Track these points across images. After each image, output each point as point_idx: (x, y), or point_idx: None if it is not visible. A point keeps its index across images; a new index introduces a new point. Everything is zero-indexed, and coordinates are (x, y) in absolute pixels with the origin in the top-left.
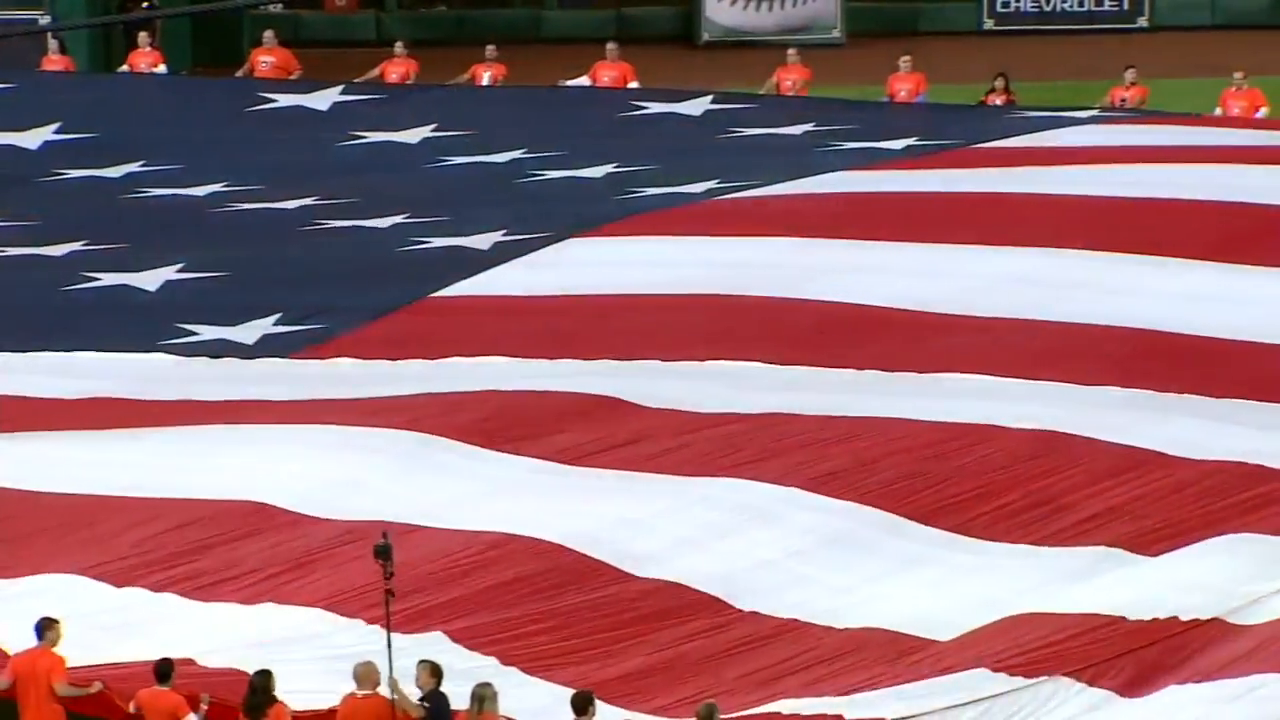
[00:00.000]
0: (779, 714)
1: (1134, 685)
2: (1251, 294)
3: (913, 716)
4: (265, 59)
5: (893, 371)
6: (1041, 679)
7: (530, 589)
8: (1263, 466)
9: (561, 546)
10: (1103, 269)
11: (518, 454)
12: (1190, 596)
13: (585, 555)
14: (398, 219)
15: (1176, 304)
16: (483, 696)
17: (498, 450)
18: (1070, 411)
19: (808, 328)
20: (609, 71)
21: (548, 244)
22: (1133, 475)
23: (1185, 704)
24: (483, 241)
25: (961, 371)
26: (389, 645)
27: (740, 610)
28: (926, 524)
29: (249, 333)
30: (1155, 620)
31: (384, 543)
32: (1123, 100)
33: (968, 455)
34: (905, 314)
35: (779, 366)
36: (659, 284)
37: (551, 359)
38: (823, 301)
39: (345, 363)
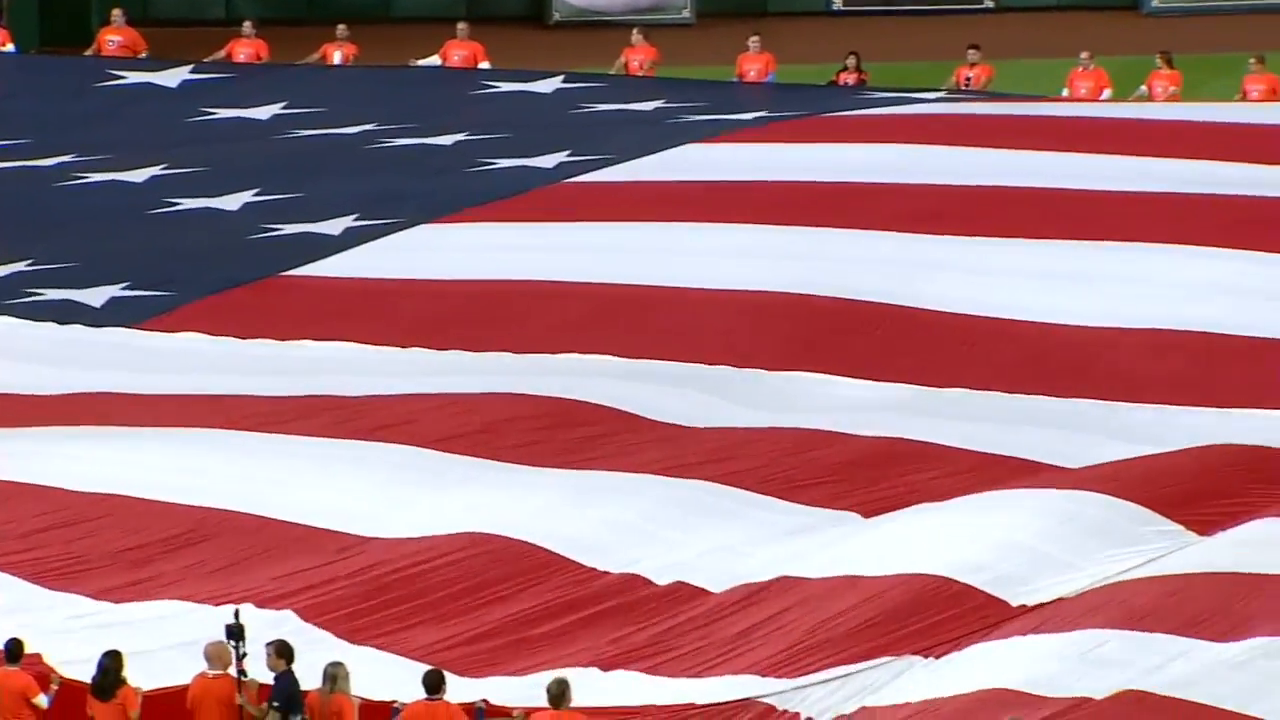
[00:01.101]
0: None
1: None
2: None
3: (768, 694)
4: (112, 38)
5: (745, 368)
6: (888, 659)
7: (383, 572)
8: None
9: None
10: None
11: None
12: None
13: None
14: (248, 197)
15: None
16: (335, 675)
17: (361, 439)
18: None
19: (660, 317)
20: (459, 51)
21: (398, 230)
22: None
23: (1003, 655)
24: (334, 227)
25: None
26: (239, 660)
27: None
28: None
29: (96, 296)
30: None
31: (236, 623)
32: (968, 79)
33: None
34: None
35: (630, 360)
36: (508, 271)
37: (403, 346)
38: (671, 288)
39: (195, 338)
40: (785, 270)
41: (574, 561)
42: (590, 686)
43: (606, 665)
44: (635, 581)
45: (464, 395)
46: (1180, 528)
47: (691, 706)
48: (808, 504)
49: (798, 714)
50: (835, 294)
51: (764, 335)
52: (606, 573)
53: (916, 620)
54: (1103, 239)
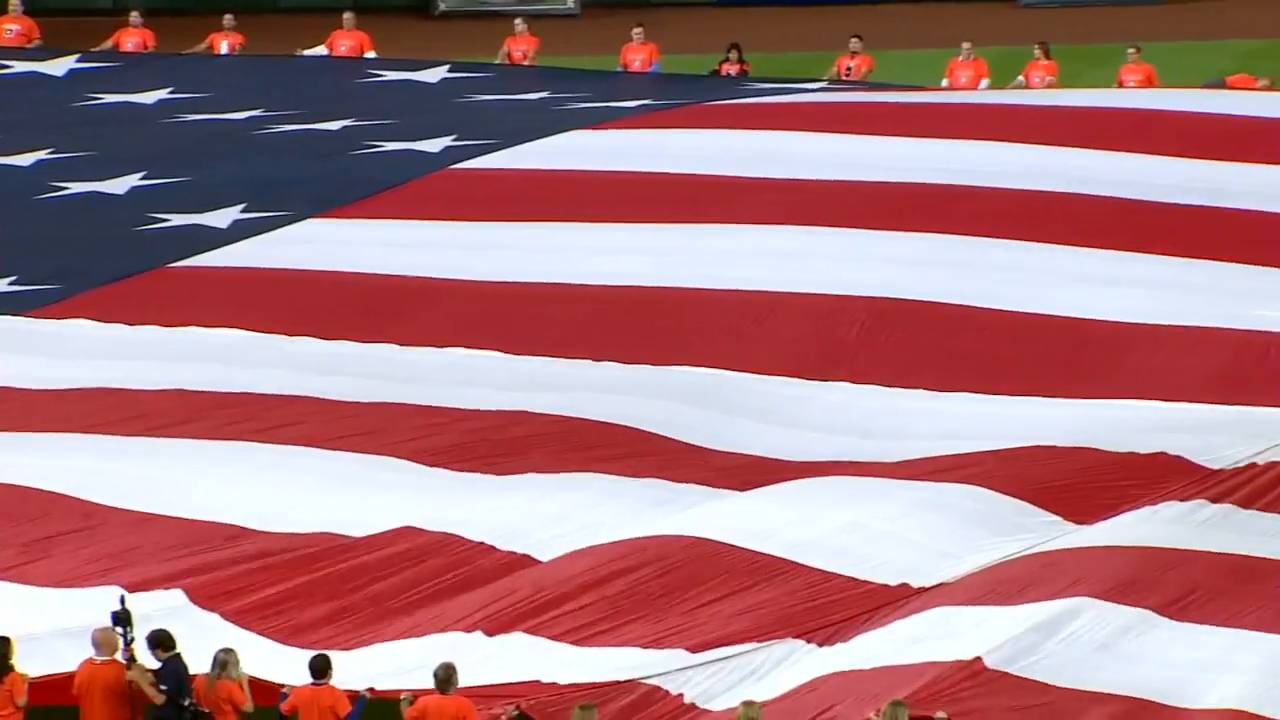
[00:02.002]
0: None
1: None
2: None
3: (650, 676)
4: (10, 26)
5: (629, 364)
6: (772, 642)
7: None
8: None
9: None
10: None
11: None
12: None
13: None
14: (135, 180)
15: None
16: (225, 662)
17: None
18: None
19: (541, 314)
20: (346, 40)
21: (286, 224)
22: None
23: (881, 639)
24: (222, 219)
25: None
26: (127, 646)
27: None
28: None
29: None
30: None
31: (123, 609)
32: (848, 69)
33: None
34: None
35: (516, 357)
36: (395, 266)
37: (289, 335)
38: (566, 284)
39: (83, 324)
40: (665, 266)
41: (465, 539)
42: (475, 653)
43: (491, 630)
44: (524, 560)
45: (348, 403)
46: (1057, 518)
47: (575, 687)
48: (680, 481)
49: (680, 695)
50: (712, 285)
51: (645, 329)
52: (494, 548)
53: (801, 605)
54: (974, 233)
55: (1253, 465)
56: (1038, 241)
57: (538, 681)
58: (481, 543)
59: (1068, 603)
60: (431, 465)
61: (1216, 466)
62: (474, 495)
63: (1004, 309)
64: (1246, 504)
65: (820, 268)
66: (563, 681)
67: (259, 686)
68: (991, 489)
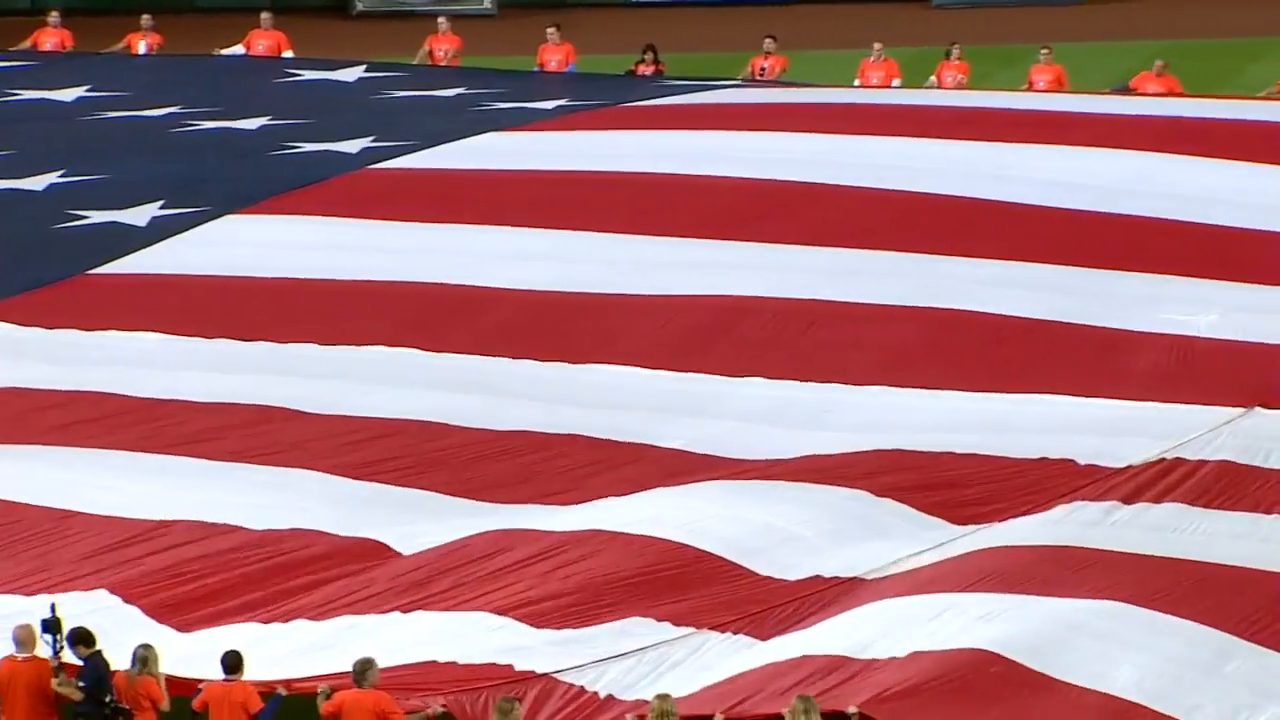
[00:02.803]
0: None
1: (770, 633)
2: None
3: (565, 669)
4: None
5: (546, 361)
6: (689, 630)
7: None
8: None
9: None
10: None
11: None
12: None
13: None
14: (54, 178)
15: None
16: (145, 658)
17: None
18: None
19: (444, 311)
20: (263, 40)
21: (205, 220)
22: None
23: (798, 637)
24: (140, 216)
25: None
26: (56, 654)
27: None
28: None
29: None
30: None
31: (53, 617)
32: (762, 69)
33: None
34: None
35: (435, 354)
36: (314, 266)
37: (208, 338)
38: (470, 286)
39: (2, 327)
40: (570, 270)
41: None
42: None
43: (407, 609)
44: (424, 557)
45: (266, 409)
46: (941, 520)
47: (485, 677)
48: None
49: (596, 690)
50: (629, 291)
51: (556, 331)
52: (400, 554)
53: (715, 598)
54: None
55: (1161, 460)
56: (942, 253)
57: (454, 663)
58: (396, 550)
59: (978, 596)
60: (352, 477)
61: (1121, 465)
62: (383, 507)
63: (920, 305)
64: (1157, 500)
65: (734, 275)
66: (479, 661)
67: (175, 682)
68: (876, 493)
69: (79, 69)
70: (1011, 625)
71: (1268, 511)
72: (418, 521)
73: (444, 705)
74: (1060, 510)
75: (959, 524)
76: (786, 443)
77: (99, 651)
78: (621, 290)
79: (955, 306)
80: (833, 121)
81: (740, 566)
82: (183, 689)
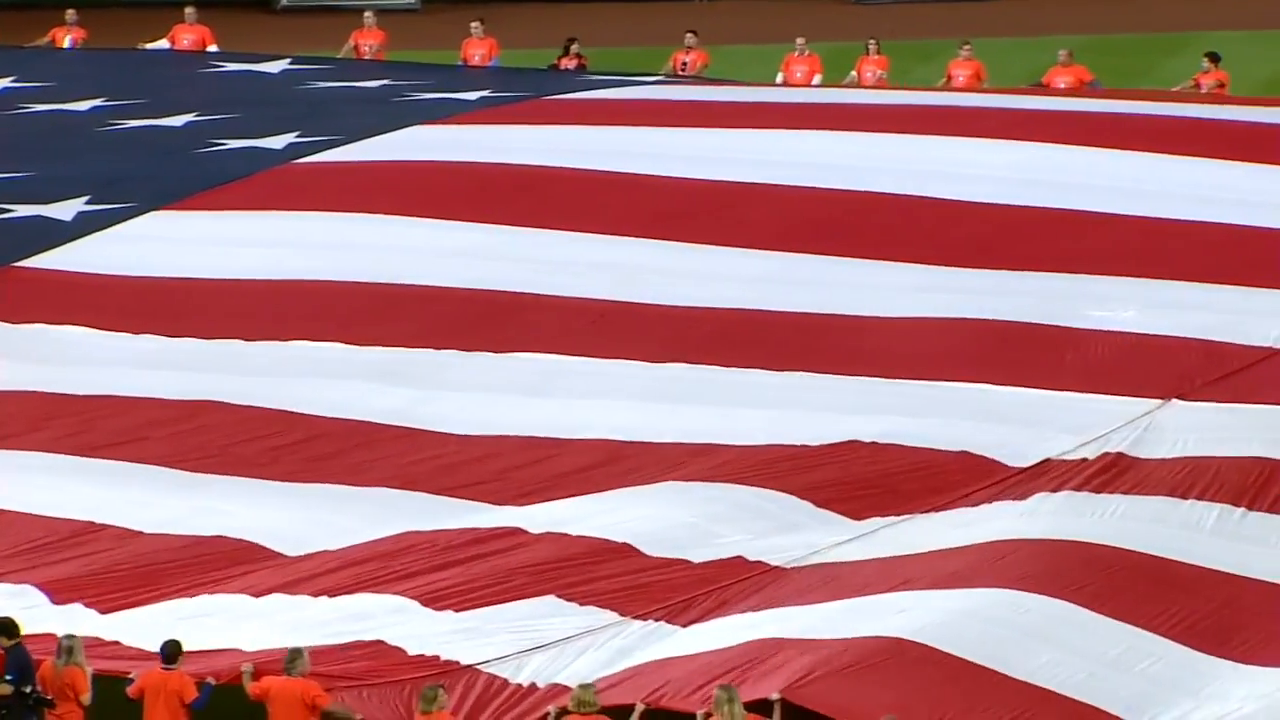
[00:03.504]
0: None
1: (690, 622)
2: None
3: (489, 660)
4: None
5: (472, 352)
6: (611, 619)
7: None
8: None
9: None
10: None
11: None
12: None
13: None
14: None
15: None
16: (70, 648)
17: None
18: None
19: (375, 309)
20: (188, 35)
21: (131, 216)
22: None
23: (719, 628)
24: (65, 210)
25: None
26: None
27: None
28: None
29: None
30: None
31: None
32: (684, 64)
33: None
34: (488, 294)
35: (359, 347)
36: (239, 262)
37: (134, 333)
38: (398, 284)
39: None
40: (494, 267)
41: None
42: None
43: (334, 591)
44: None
45: (194, 402)
46: (841, 517)
47: (410, 669)
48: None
49: (519, 684)
50: (553, 292)
51: (480, 326)
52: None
53: (632, 587)
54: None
55: (1080, 450)
56: (869, 258)
57: (382, 642)
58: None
59: (898, 595)
60: (280, 479)
61: (1040, 458)
62: (307, 505)
63: (846, 314)
64: (1077, 489)
65: (654, 280)
66: (410, 651)
67: (105, 671)
68: (798, 494)
69: (3, 62)
70: (930, 616)
71: (1184, 497)
72: (347, 521)
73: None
74: (983, 503)
75: (878, 516)
76: (702, 421)
77: (19, 643)
78: (544, 291)
79: (876, 315)
80: (759, 118)
81: (659, 558)
82: (115, 675)
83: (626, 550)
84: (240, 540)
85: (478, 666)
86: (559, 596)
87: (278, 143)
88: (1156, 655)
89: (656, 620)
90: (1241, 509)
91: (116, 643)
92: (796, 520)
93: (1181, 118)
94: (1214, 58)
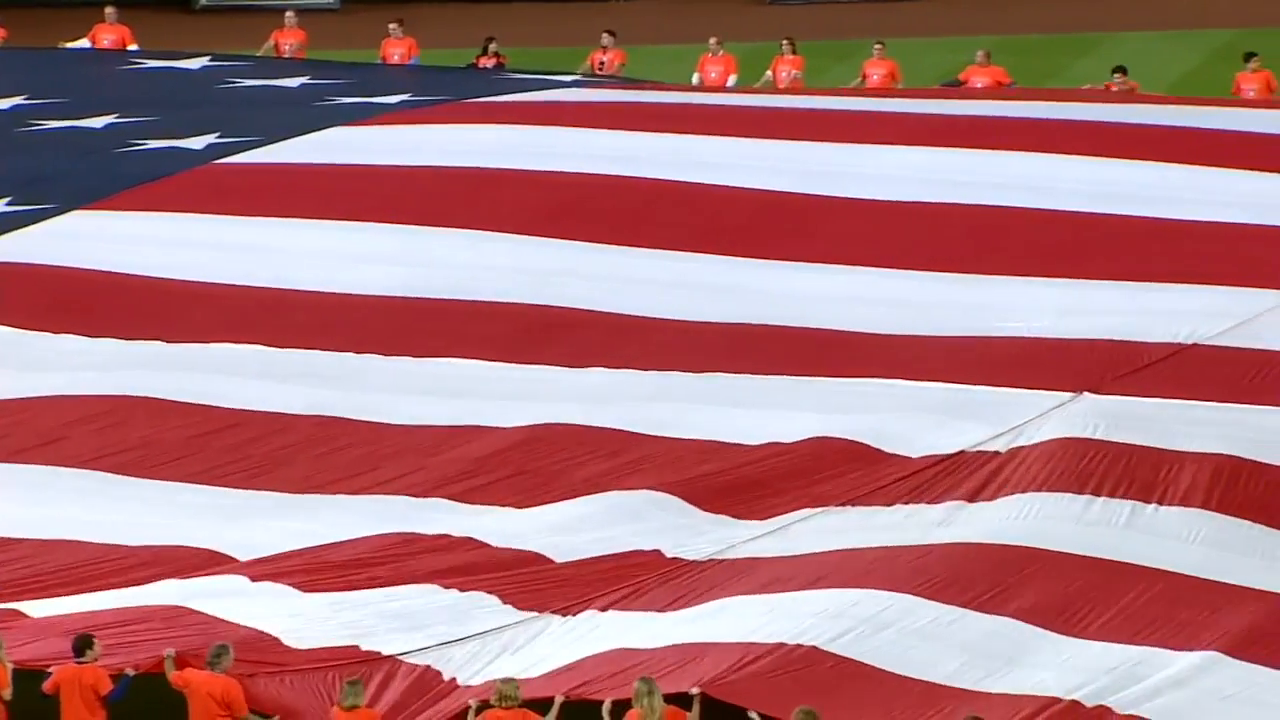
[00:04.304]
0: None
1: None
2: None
3: (411, 651)
4: None
5: (391, 356)
6: (531, 614)
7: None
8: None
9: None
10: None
11: None
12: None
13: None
14: None
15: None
16: None
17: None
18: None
19: (296, 313)
20: (108, 34)
21: (50, 216)
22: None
23: (639, 622)
24: None
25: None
26: None
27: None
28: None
29: None
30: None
31: None
32: (601, 63)
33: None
34: (403, 301)
35: (281, 350)
36: (158, 262)
37: (54, 333)
38: (319, 293)
39: None
40: (415, 270)
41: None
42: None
43: (255, 577)
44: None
45: (114, 399)
46: (757, 514)
47: (332, 659)
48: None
49: (439, 671)
50: (473, 297)
51: (401, 328)
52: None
53: (555, 582)
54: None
55: (994, 442)
56: (783, 259)
57: (300, 645)
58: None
59: (813, 594)
60: (202, 483)
61: (954, 450)
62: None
63: (761, 324)
64: (986, 485)
65: (573, 283)
66: (332, 639)
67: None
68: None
69: None
70: (844, 624)
71: (1095, 493)
72: (262, 520)
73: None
74: (898, 503)
75: (793, 510)
76: (624, 423)
77: None
78: (464, 295)
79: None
80: (675, 121)
81: (581, 558)
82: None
83: (546, 551)
84: (164, 547)
85: (399, 657)
86: (482, 591)
87: (198, 143)
88: (1063, 652)
89: (577, 615)
90: (1153, 505)
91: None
92: (714, 518)
93: (1092, 122)
94: (1122, 70)
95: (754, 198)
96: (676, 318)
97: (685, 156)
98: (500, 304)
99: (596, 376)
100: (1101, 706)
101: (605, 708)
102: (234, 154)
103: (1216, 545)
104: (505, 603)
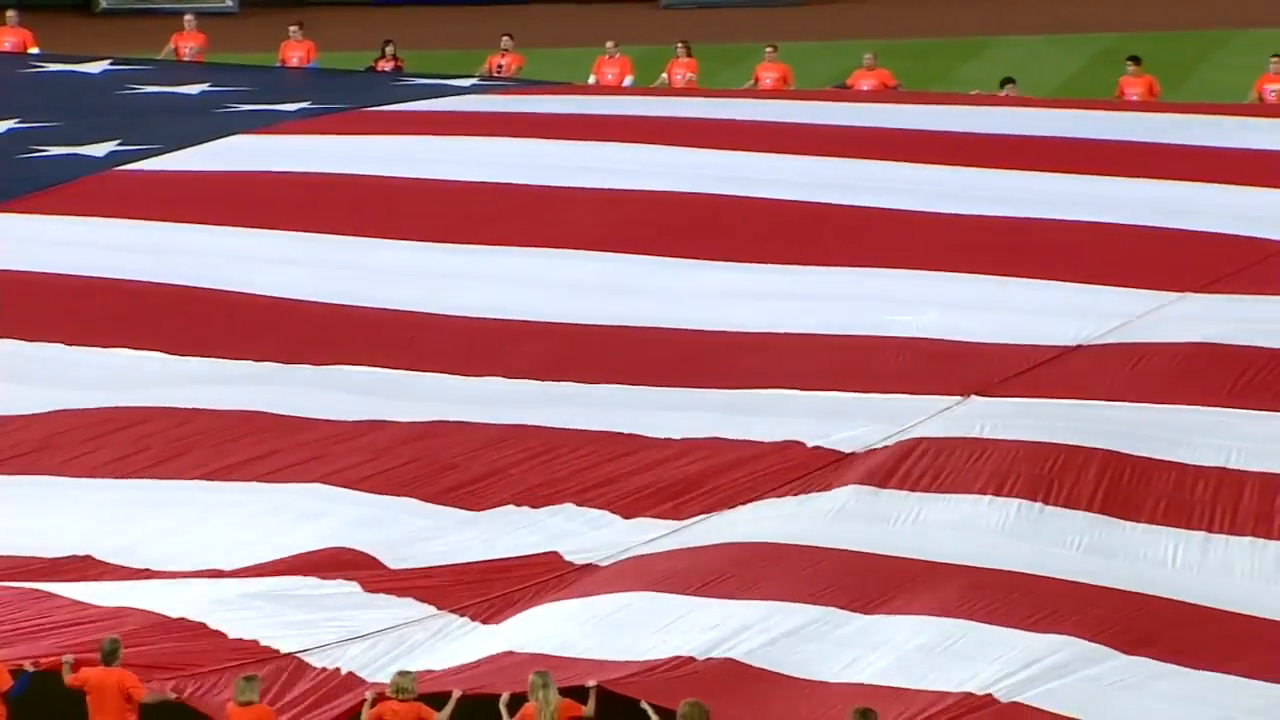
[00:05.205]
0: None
1: (507, 615)
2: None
3: (309, 649)
4: None
5: (291, 364)
6: (430, 611)
7: None
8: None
9: None
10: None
11: None
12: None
13: None
14: None
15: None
16: None
17: None
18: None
19: (213, 317)
20: (9, 38)
21: None
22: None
23: (535, 619)
24: None
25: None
26: None
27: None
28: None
29: None
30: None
31: None
32: (499, 66)
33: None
34: (314, 306)
35: (180, 357)
36: (58, 264)
37: None
38: (226, 291)
39: None
40: (313, 275)
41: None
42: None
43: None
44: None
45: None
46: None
47: (229, 657)
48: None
49: (338, 668)
50: (369, 304)
51: (300, 336)
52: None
53: (453, 581)
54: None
55: (884, 446)
56: (673, 255)
57: (203, 625)
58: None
59: (706, 601)
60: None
61: (847, 450)
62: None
63: (658, 326)
64: (881, 485)
65: (467, 286)
66: (230, 635)
67: None
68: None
69: None
70: (733, 628)
71: (981, 492)
72: (159, 511)
73: (177, 692)
74: (789, 499)
75: (684, 518)
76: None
77: None
78: (360, 302)
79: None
80: (573, 129)
81: (486, 560)
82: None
83: (447, 549)
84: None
85: (297, 654)
86: (379, 590)
87: (99, 150)
88: (965, 635)
89: (473, 615)
90: (1039, 504)
91: None
92: (614, 520)
93: (981, 134)
94: (1011, 82)
95: (658, 199)
96: (569, 321)
97: (582, 162)
98: (390, 310)
99: (497, 385)
100: (987, 695)
101: (502, 701)
102: (135, 161)
103: (1098, 551)
104: (404, 599)
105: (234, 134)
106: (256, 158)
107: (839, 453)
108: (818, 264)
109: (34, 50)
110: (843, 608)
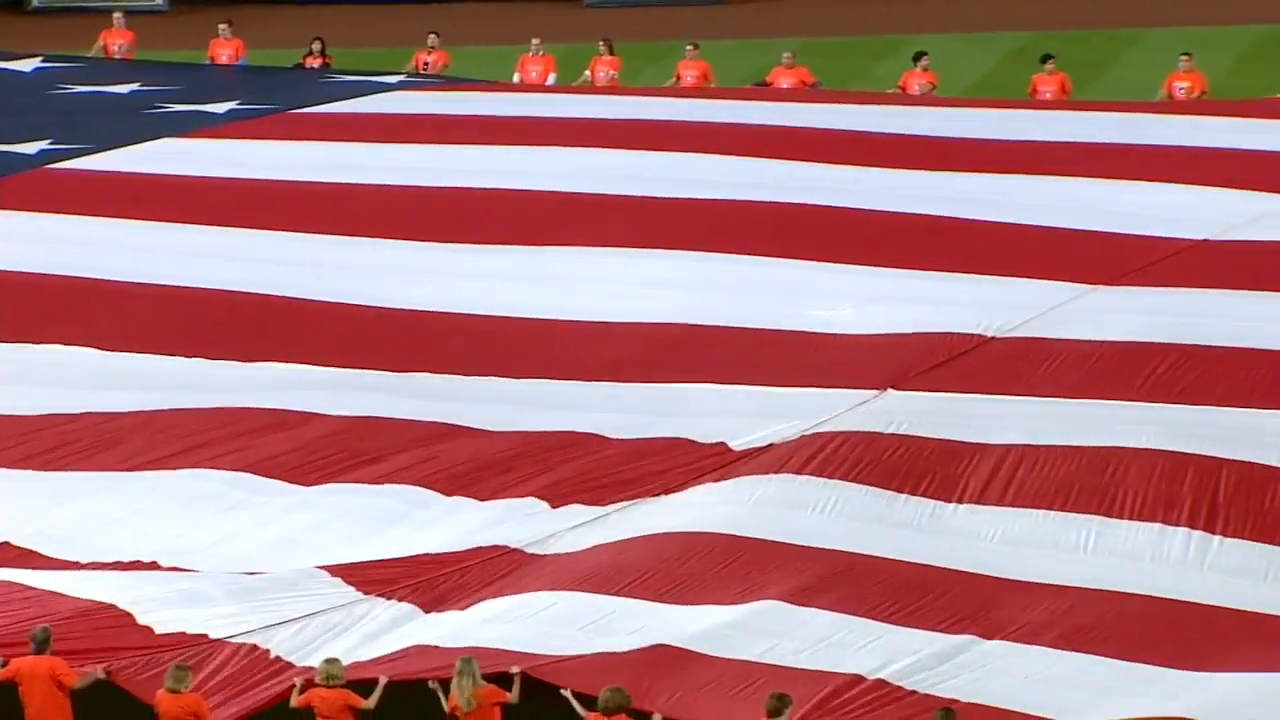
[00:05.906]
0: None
1: (435, 604)
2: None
3: (237, 634)
4: None
5: (220, 360)
6: (357, 596)
7: None
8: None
9: None
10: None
11: None
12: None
13: None
14: None
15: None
16: None
17: None
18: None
19: (139, 312)
20: None
21: None
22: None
23: (465, 612)
24: None
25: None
26: None
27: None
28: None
29: None
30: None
31: None
32: (426, 64)
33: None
34: (240, 296)
35: (110, 353)
36: None
37: None
38: (156, 285)
39: None
40: (243, 270)
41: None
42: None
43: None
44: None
45: None
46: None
47: (159, 644)
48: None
49: (267, 650)
50: (298, 295)
51: (228, 332)
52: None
53: (386, 567)
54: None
55: (800, 439)
56: (605, 245)
57: (130, 615)
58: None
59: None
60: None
61: (764, 444)
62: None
63: (586, 320)
64: (797, 472)
65: (396, 280)
66: (158, 630)
67: None
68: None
69: None
70: (664, 629)
71: (898, 490)
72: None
73: (110, 671)
74: (704, 488)
75: (605, 504)
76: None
77: None
78: (296, 294)
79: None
80: (496, 133)
81: (415, 554)
82: None
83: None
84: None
85: (226, 640)
86: (307, 577)
87: (30, 149)
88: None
89: (400, 600)
90: (953, 504)
91: None
92: (537, 508)
93: (897, 134)
94: (923, 54)
95: (580, 200)
96: (481, 313)
97: (500, 166)
98: (330, 303)
99: (423, 380)
100: (902, 688)
101: (432, 682)
102: (66, 160)
103: (1014, 542)
104: (331, 585)
105: (163, 136)
106: (187, 161)
107: (757, 447)
108: (735, 255)
109: None
110: (777, 599)
